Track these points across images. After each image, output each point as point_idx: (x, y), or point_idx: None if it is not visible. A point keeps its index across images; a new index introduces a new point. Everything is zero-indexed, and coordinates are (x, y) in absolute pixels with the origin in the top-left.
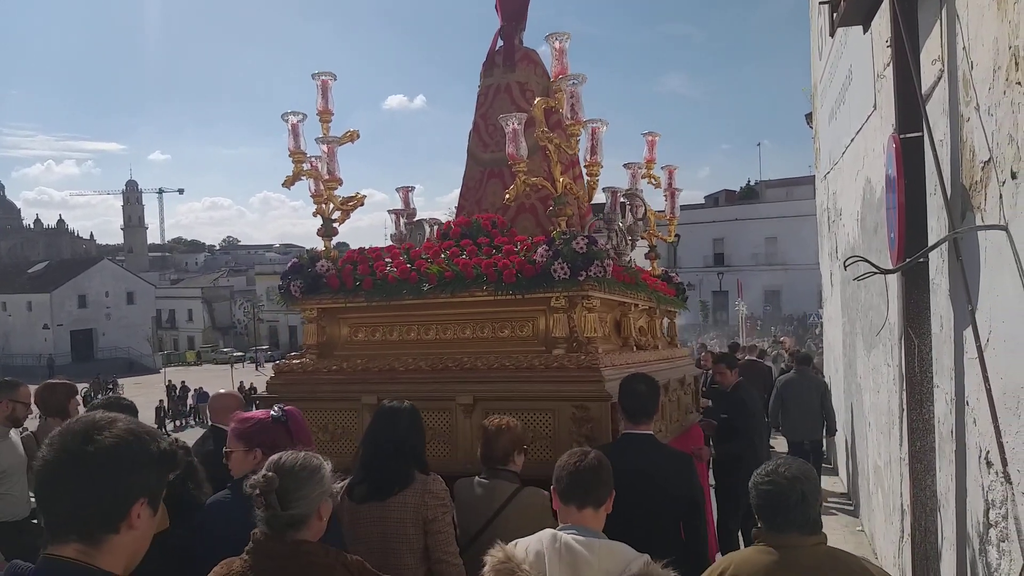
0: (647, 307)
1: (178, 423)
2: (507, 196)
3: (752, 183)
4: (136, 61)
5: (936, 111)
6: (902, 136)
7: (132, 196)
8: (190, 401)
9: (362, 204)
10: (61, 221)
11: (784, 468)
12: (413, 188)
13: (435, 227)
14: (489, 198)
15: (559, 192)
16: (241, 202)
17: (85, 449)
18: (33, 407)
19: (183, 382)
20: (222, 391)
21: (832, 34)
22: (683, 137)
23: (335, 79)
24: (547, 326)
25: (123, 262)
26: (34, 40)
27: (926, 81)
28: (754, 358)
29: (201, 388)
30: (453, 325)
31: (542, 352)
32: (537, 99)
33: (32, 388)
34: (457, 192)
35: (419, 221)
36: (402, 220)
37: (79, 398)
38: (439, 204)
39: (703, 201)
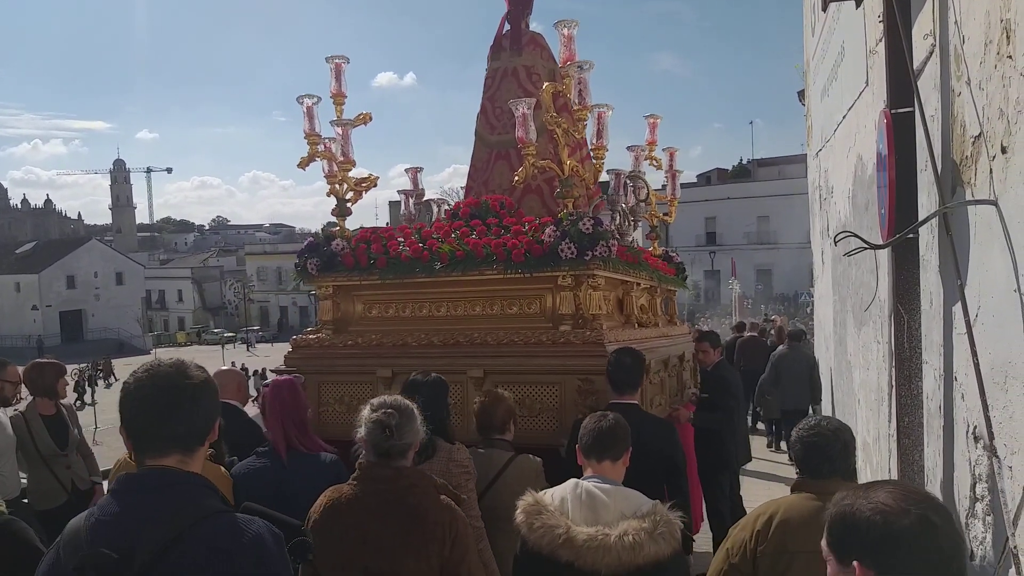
0: (648, 286)
1: None
2: (516, 178)
3: (744, 162)
4: (123, 38)
5: (928, 86)
6: (893, 112)
7: (120, 175)
8: None
9: (375, 185)
10: (48, 201)
11: (826, 422)
12: (421, 169)
13: (443, 207)
14: (496, 179)
15: (566, 175)
16: (230, 181)
17: (186, 383)
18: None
19: None
20: (223, 368)
21: (824, 9)
22: (675, 116)
23: (348, 62)
24: (554, 304)
25: (112, 242)
26: (19, 18)
27: (918, 56)
28: (755, 334)
29: None
30: (463, 302)
31: (549, 328)
32: (545, 84)
33: (21, 369)
34: (449, 171)
35: (427, 201)
36: (411, 200)
37: (68, 378)
38: (430, 183)
39: (695, 180)
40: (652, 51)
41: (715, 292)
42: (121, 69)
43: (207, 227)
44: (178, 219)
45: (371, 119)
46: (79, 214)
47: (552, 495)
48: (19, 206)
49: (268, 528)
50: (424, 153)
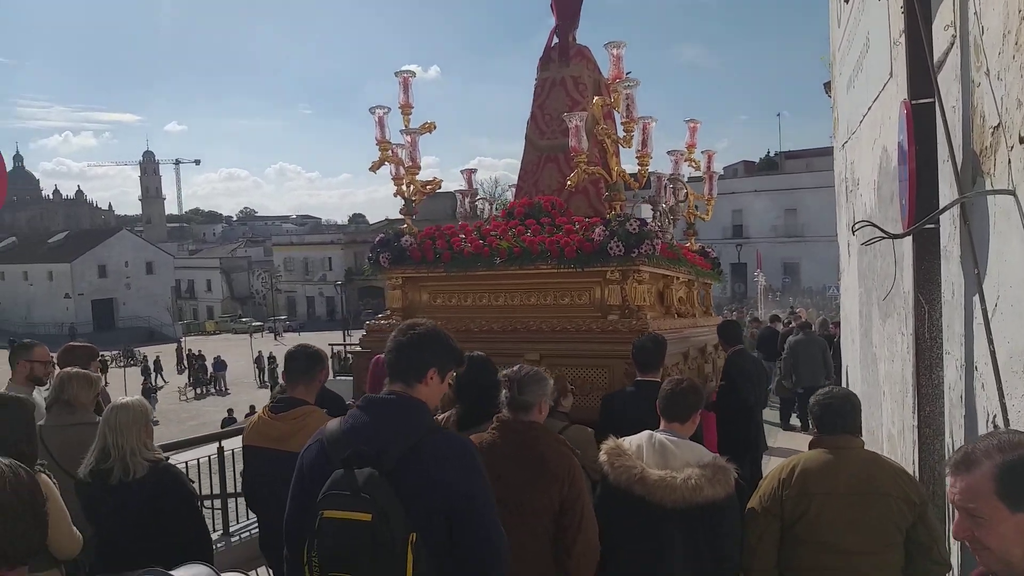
0: (687, 279)
1: (199, 391)
2: (568, 183)
3: (772, 154)
4: (150, 30)
5: (949, 77)
6: (914, 103)
7: (149, 167)
8: (209, 370)
9: (439, 187)
10: (80, 192)
11: (837, 389)
12: (475, 170)
13: (493, 205)
14: (545, 180)
15: (614, 180)
16: (257, 173)
17: (407, 335)
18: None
19: (200, 351)
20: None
21: (848, 0)
22: (701, 108)
23: (415, 76)
24: (602, 295)
25: (142, 232)
26: (47, 11)
27: (939, 47)
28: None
29: (219, 357)
30: (520, 293)
31: (598, 317)
32: (595, 99)
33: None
34: (474, 162)
35: (481, 199)
36: (466, 199)
37: (99, 362)
38: (454, 176)
39: (722, 172)
40: (677, 42)
41: (742, 285)
42: (150, 61)
43: (235, 218)
44: (206, 210)
45: (435, 127)
46: (109, 205)
47: (630, 442)
48: (51, 197)
49: (470, 442)
50: (449, 145)
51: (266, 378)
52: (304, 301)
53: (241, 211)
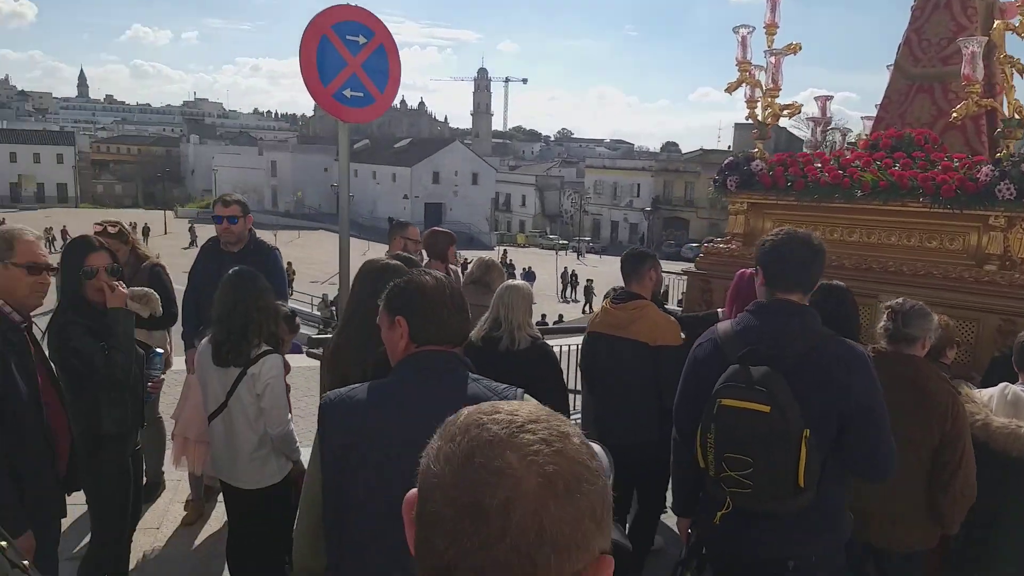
0: None
1: None
2: (954, 114)
3: None
4: None
5: None
6: None
7: (482, 84)
8: (518, 278)
9: (799, 112)
10: (422, 103)
11: None
12: (831, 97)
13: (846, 135)
14: (915, 112)
15: (1010, 115)
16: (578, 95)
17: (810, 249)
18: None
19: (511, 260)
20: None
21: None
22: None
23: None
24: (979, 242)
25: (470, 145)
26: None
27: None
28: None
29: (529, 267)
30: (879, 230)
31: (972, 266)
32: (997, 23)
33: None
34: (805, 93)
35: (833, 129)
36: (818, 128)
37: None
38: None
39: None
40: None
41: None
42: None
43: (552, 138)
44: (527, 128)
45: (800, 48)
46: (445, 117)
47: (982, 392)
48: (398, 107)
49: (870, 355)
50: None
51: (572, 295)
52: (608, 225)
53: (559, 132)
